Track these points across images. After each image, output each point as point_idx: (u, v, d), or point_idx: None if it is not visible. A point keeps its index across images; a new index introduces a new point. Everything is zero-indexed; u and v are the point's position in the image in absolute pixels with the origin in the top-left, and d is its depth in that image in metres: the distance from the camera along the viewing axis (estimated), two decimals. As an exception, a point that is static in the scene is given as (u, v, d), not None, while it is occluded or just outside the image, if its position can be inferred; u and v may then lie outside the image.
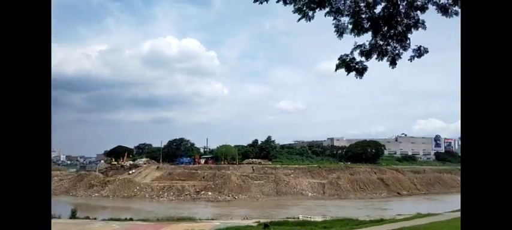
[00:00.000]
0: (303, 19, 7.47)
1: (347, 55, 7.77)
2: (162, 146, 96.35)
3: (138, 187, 68.91)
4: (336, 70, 7.90)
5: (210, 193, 64.41)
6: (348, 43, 7.84)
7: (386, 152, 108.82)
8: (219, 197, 62.63)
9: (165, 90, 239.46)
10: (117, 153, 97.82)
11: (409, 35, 7.55)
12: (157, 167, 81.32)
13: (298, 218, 36.90)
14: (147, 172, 77.74)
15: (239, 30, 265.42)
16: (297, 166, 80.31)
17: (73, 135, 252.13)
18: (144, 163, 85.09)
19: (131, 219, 37.93)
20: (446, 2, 7.22)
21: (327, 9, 7.46)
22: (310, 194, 67.51)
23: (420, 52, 7.71)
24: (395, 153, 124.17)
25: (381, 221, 28.49)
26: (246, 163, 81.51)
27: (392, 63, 7.75)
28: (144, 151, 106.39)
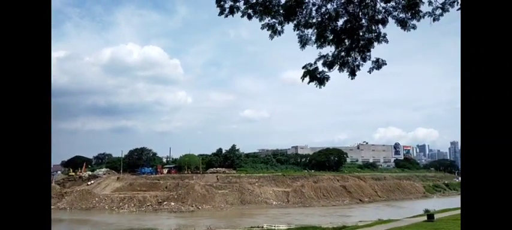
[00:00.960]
0: (274, 34, 7.60)
1: (311, 64, 7.85)
2: (123, 156, 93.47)
3: (97, 199, 66.28)
4: (302, 79, 7.98)
5: (172, 204, 63.02)
6: (313, 53, 7.96)
7: (348, 160, 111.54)
8: (183, 207, 61.41)
9: (126, 98, 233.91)
10: (75, 163, 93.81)
11: (371, 48, 7.73)
12: (118, 177, 78.65)
13: (262, 227, 36.84)
14: (107, 182, 74.99)
15: (204, 38, 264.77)
16: (261, 174, 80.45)
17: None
18: (104, 174, 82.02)
19: (89, 232, 36.34)
20: (404, 16, 7.46)
21: (295, 23, 7.58)
22: (274, 202, 67.72)
23: (379, 64, 7.92)
24: (357, 161, 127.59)
25: (343, 228, 29.02)
26: (210, 172, 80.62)
27: (352, 74, 7.90)
28: (104, 161, 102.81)
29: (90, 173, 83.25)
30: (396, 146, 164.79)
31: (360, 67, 7.88)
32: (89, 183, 74.53)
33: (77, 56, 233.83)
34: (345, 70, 7.88)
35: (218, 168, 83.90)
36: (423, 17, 7.35)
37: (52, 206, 63.52)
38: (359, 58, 7.80)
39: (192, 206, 62.14)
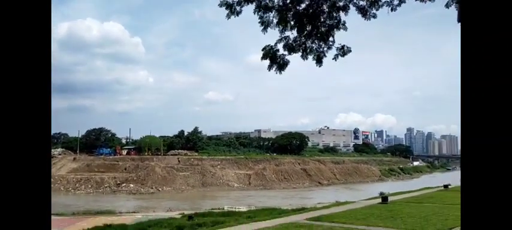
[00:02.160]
0: (231, 14, 7.35)
1: (271, 46, 7.74)
2: (80, 136, 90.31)
3: (52, 180, 63.81)
4: (262, 59, 7.85)
5: (132, 185, 61.93)
6: (276, 36, 7.85)
7: (310, 144, 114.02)
8: (142, 189, 60.50)
9: (83, 76, 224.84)
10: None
11: (332, 35, 7.75)
12: (74, 158, 76.05)
13: (223, 209, 37.08)
14: (63, 163, 72.39)
15: (167, 16, 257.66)
16: (224, 157, 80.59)
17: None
18: (59, 154, 78.99)
19: (43, 214, 35.02)
20: (365, 4, 7.56)
21: (255, 5, 7.41)
22: (236, 185, 68.27)
23: (344, 51, 7.92)
24: (318, 145, 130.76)
25: (302, 210, 29.75)
26: (171, 155, 79.70)
27: (318, 61, 7.87)
28: (59, 141, 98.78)
29: (44, 153, 79.83)
30: (356, 131, 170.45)
31: (326, 54, 7.87)
32: (43, 163, 71.56)
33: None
34: (311, 57, 7.86)
35: (180, 150, 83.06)
36: (382, 6, 7.47)
37: None
38: (323, 45, 7.80)
39: (152, 188, 61.39)
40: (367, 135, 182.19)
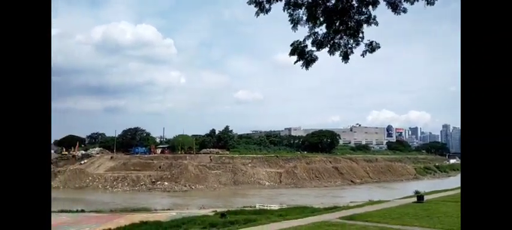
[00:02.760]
0: (260, 11, 7.37)
1: (300, 42, 7.73)
2: (116, 135, 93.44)
3: (90, 178, 66.47)
4: (290, 55, 7.84)
5: (166, 183, 63.44)
6: (304, 34, 7.82)
7: (341, 142, 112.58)
8: (176, 187, 61.86)
9: (118, 77, 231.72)
10: (68, 142, 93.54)
11: (361, 30, 7.64)
12: (111, 157, 78.76)
13: (255, 207, 37.31)
14: (100, 162, 75.12)
15: (198, 18, 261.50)
16: (254, 155, 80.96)
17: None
18: (97, 153, 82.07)
19: (83, 211, 36.54)
20: (396, -1, 7.39)
21: (284, 2, 7.42)
22: (267, 183, 68.40)
23: (372, 47, 7.76)
24: (349, 143, 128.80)
25: (334, 209, 29.41)
26: (203, 153, 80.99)
27: (345, 57, 7.78)
28: (97, 140, 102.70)
29: (83, 152, 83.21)
30: (389, 128, 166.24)
31: (353, 51, 7.74)
32: (82, 162, 74.59)
33: (68, 34, 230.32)
34: (337, 53, 7.79)
35: (211, 149, 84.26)
36: (417, 0, 7.20)
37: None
38: (351, 41, 7.68)
39: (186, 186, 62.61)
40: (401, 132, 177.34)
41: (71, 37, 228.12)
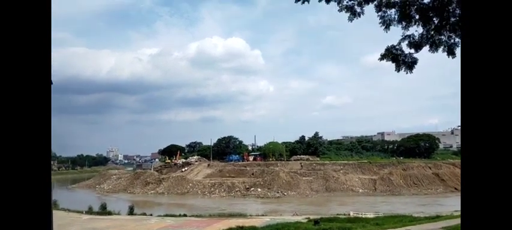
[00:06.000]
0: (353, 16, 7.38)
1: (394, 46, 7.52)
2: (212, 144, 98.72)
3: (190, 184, 71.21)
4: (380, 59, 7.67)
5: (259, 190, 65.11)
6: (396, 34, 7.62)
7: (441, 146, 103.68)
8: (269, 193, 63.14)
9: (212, 89, 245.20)
10: (170, 151, 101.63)
11: None
12: (208, 164, 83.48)
13: (349, 214, 36.38)
14: (199, 169, 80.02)
15: (283, 27, 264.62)
16: (346, 162, 78.85)
17: (129, 135, 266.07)
18: (196, 161, 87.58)
19: (185, 215, 39.42)
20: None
21: (375, 3, 7.34)
22: (360, 190, 66.06)
23: None
24: (451, 147, 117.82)
25: (436, 218, 27.32)
26: (294, 160, 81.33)
27: (451, 53, 7.36)
28: (195, 149, 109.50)
29: (183, 160, 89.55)
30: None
31: (458, 45, 7.31)
32: (183, 170, 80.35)
33: (167, 51, 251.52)
34: (440, 49, 7.43)
35: (301, 155, 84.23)
36: None
37: (151, 192, 70.02)
38: (454, 35, 7.29)
39: (278, 192, 63.53)
40: None
41: (169, 54, 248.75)
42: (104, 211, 41.62)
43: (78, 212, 41.29)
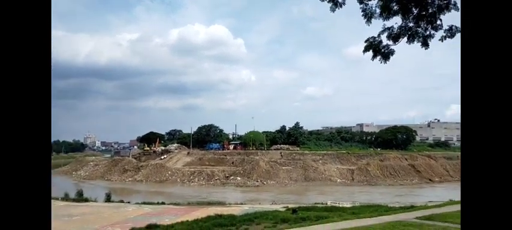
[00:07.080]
0: (335, 7, 7.41)
1: (374, 38, 7.62)
2: (192, 132, 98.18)
3: (169, 172, 70.78)
4: (364, 52, 7.78)
5: (239, 178, 65.33)
6: (377, 26, 7.71)
7: (418, 138, 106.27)
8: (248, 182, 63.42)
9: (193, 77, 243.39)
10: (149, 139, 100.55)
11: (442, 15, 7.30)
12: (188, 152, 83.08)
13: (326, 204, 36.91)
14: (178, 157, 79.59)
15: (267, 16, 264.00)
16: (325, 152, 79.91)
17: (107, 122, 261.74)
18: (175, 149, 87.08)
19: (163, 203, 39.16)
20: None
21: None
22: (338, 180, 67.15)
23: (452, 32, 7.33)
24: (427, 139, 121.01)
25: (411, 208, 27.96)
26: (274, 149, 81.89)
27: (425, 44, 7.51)
28: (175, 137, 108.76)
29: (163, 148, 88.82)
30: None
31: (433, 36, 7.48)
32: (162, 157, 79.72)
33: (147, 37, 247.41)
34: (415, 41, 7.55)
35: (282, 145, 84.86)
36: None
37: (129, 179, 69.23)
38: (430, 27, 7.40)
39: (257, 181, 63.90)
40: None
41: (150, 40, 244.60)
42: (80, 197, 40.96)
43: (53, 198, 40.43)
